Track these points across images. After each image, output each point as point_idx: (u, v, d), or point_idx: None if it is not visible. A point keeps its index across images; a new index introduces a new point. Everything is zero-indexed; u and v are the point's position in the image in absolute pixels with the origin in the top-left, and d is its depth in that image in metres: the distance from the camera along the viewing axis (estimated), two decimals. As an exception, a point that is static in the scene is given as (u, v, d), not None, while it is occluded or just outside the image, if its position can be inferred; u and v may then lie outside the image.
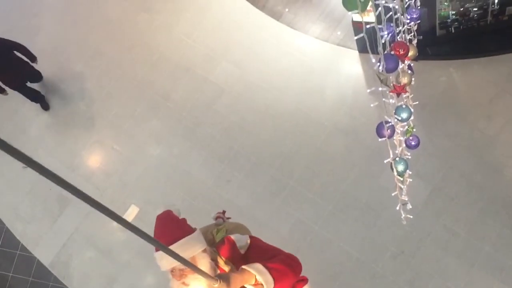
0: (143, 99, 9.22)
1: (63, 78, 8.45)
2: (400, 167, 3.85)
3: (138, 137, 9.06)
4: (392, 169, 3.95)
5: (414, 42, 5.00)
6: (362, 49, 8.45)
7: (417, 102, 4.93)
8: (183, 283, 3.24)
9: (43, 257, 8.83)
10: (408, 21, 4.25)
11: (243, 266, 3.18)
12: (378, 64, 3.04)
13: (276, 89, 8.70)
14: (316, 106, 8.47)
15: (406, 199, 4.66)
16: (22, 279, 8.83)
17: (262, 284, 3.15)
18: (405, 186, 4.43)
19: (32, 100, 9.36)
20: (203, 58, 9.23)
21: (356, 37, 2.73)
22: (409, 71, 4.08)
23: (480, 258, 7.28)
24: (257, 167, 8.37)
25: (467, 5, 7.66)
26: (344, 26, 8.77)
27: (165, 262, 3.20)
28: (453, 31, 8.07)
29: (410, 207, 4.87)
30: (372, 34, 2.90)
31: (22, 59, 8.78)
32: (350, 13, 2.54)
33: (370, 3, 2.61)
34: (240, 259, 3.44)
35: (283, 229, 7.82)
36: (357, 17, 7.49)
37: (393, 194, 4.66)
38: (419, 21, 4.73)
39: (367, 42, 2.70)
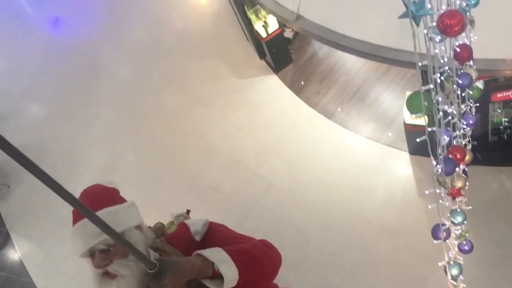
0: (193, 189, 9.37)
1: (116, 167, 8.66)
2: (455, 271, 3.81)
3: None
4: (446, 273, 3.90)
5: (469, 147, 5.05)
6: (413, 151, 8.51)
7: (470, 207, 4.91)
8: (107, 272, 2.28)
9: None
10: (464, 126, 4.32)
11: (197, 251, 2.35)
12: (437, 167, 3.10)
13: (325, 186, 8.76)
14: (365, 205, 8.46)
15: (460, 305, 4.56)
16: None
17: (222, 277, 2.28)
18: (458, 292, 4.36)
19: None
20: (254, 152, 9.41)
21: (418, 139, 2.81)
22: (464, 175, 4.10)
23: None
24: (302, 263, 8.30)
25: (519, 112, 7.72)
26: (395, 128, 8.88)
27: (80, 243, 2.28)
28: (505, 137, 8.09)
29: (464, 314, 4.75)
30: (429, 137, 2.98)
31: None
32: (411, 115, 2.63)
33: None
34: (196, 249, 2.42)
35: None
36: (409, 120, 7.62)
37: (446, 300, 4.57)
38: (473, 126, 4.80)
39: (428, 145, 2.78)
